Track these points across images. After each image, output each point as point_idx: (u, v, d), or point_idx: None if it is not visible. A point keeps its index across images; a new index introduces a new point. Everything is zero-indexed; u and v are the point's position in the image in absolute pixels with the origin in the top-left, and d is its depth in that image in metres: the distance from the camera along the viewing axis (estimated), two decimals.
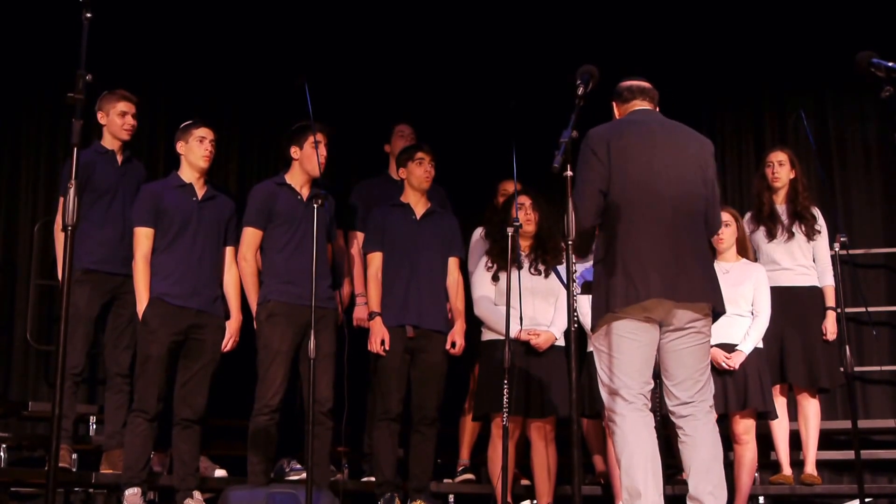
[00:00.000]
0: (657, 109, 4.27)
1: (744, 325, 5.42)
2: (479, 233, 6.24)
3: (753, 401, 5.36)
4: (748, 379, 5.36)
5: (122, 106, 5.56)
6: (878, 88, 3.40)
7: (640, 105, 4.22)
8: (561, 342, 5.59)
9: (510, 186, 6.14)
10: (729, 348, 5.38)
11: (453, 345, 5.63)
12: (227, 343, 5.34)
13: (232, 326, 5.36)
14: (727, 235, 5.53)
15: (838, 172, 7.44)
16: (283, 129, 5.64)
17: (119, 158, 5.59)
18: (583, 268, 4.62)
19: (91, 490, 5.77)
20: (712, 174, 4.16)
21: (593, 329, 4.12)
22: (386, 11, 7.70)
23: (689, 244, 3.99)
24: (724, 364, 5.33)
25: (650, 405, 4.03)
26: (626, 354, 3.98)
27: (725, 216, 5.34)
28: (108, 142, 5.59)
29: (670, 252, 3.94)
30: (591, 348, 5.51)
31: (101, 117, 5.56)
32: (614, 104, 4.31)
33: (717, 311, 4.07)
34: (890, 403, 7.05)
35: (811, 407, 5.97)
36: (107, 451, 5.40)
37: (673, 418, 4.10)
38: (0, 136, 6.73)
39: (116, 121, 5.55)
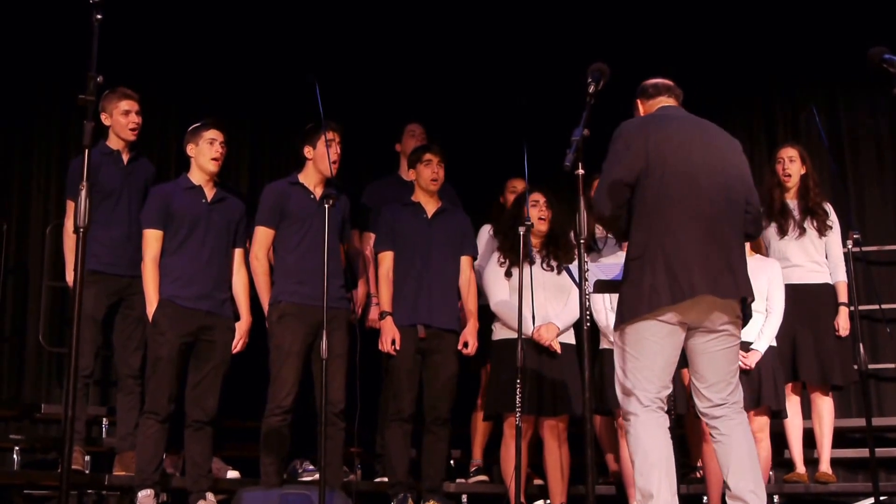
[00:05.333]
0: (681, 108, 4.24)
1: (758, 321, 5.39)
2: (487, 230, 6.23)
3: (767, 399, 5.33)
4: (762, 377, 5.33)
5: (125, 105, 5.54)
6: (890, 84, 3.39)
7: (666, 101, 4.20)
8: (571, 340, 5.58)
9: (519, 184, 6.14)
10: (744, 346, 5.34)
11: (465, 345, 5.62)
12: (237, 344, 5.34)
13: (242, 327, 5.36)
14: None
15: (851, 169, 7.42)
16: (295, 129, 5.64)
17: (125, 158, 5.58)
18: (595, 266, 4.61)
19: (104, 492, 5.79)
20: (747, 172, 4.11)
21: (617, 326, 4.01)
22: (396, 11, 7.70)
23: (728, 239, 3.92)
24: (740, 364, 5.29)
25: (665, 407, 4.00)
26: (648, 358, 3.91)
27: None
28: (114, 142, 5.57)
29: (710, 247, 3.87)
30: (603, 346, 5.51)
31: (104, 119, 5.53)
32: (639, 101, 4.27)
33: (746, 314, 4.01)
34: None
35: (825, 405, 5.94)
36: (119, 452, 5.40)
37: (705, 419, 4.06)
38: (11, 139, 6.75)
39: (120, 120, 5.53)
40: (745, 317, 4.04)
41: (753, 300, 4.02)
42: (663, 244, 3.86)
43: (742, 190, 4.04)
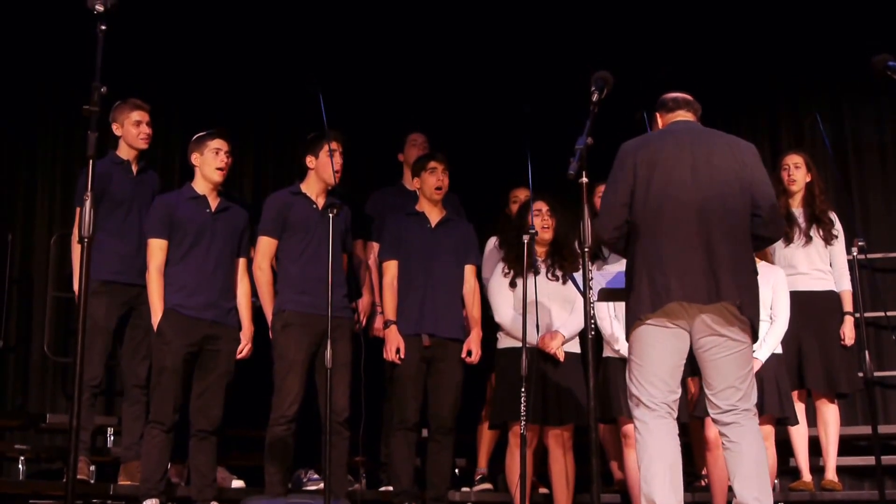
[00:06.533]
0: (698, 122, 4.28)
1: (762, 330, 5.37)
2: (493, 242, 6.23)
3: (769, 407, 5.30)
4: (764, 385, 5.29)
5: (136, 115, 5.57)
6: (894, 91, 3.39)
7: (684, 116, 4.26)
8: (576, 348, 5.57)
9: (521, 193, 6.14)
10: None
11: (469, 353, 5.61)
12: (242, 350, 5.33)
13: (245, 335, 5.35)
14: None
15: (855, 176, 7.42)
16: (299, 138, 5.65)
17: (134, 168, 5.61)
18: (599, 275, 4.62)
19: (109, 502, 5.77)
20: (752, 176, 4.07)
21: (627, 337, 4.12)
22: (398, 20, 7.72)
23: (718, 248, 3.94)
24: None
25: (675, 413, 4.01)
26: (651, 362, 3.98)
27: None
28: (125, 152, 5.60)
29: (695, 257, 3.92)
30: (606, 354, 5.51)
31: (115, 129, 5.57)
32: (658, 115, 4.34)
33: (752, 320, 4.00)
34: None
35: (830, 412, 5.93)
36: (125, 462, 5.40)
37: (717, 426, 4.08)
38: (17, 148, 6.77)
39: (132, 130, 5.56)
40: (752, 321, 4.03)
41: (739, 303, 3.98)
42: (646, 254, 3.97)
43: (744, 196, 4.03)
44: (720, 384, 4.02)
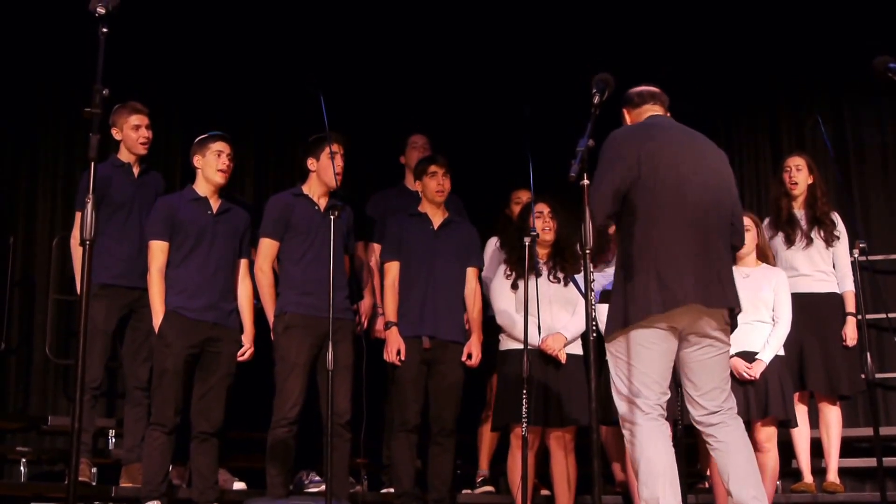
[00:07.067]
0: (668, 114, 4.24)
1: (764, 331, 5.38)
2: (493, 243, 6.23)
3: (774, 408, 5.31)
4: (769, 387, 5.32)
5: (135, 119, 5.57)
6: (894, 93, 3.39)
7: (653, 110, 4.20)
8: (578, 350, 5.57)
9: (523, 195, 6.14)
10: (749, 356, 5.33)
11: (469, 356, 5.61)
12: (245, 353, 5.33)
13: (247, 337, 5.35)
14: (748, 240, 5.46)
15: (856, 178, 7.42)
16: (300, 140, 5.65)
17: (135, 171, 5.61)
18: (601, 276, 4.62)
19: None
20: (734, 183, 4.14)
21: (609, 335, 4.03)
22: (399, 22, 7.72)
23: (717, 250, 3.95)
24: (745, 374, 5.28)
25: (665, 414, 4.00)
26: (645, 364, 3.93)
27: (746, 221, 5.27)
28: (125, 155, 5.60)
29: (701, 257, 3.90)
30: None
31: (115, 133, 5.58)
32: (625, 110, 4.27)
33: (733, 324, 4.05)
34: None
35: (832, 414, 5.93)
36: (126, 464, 5.40)
37: (700, 427, 4.06)
38: (18, 152, 6.77)
39: (131, 135, 5.57)
40: (732, 326, 4.07)
41: (741, 311, 4.05)
42: (655, 254, 3.87)
43: (729, 202, 4.06)
44: (707, 385, 4.02)
